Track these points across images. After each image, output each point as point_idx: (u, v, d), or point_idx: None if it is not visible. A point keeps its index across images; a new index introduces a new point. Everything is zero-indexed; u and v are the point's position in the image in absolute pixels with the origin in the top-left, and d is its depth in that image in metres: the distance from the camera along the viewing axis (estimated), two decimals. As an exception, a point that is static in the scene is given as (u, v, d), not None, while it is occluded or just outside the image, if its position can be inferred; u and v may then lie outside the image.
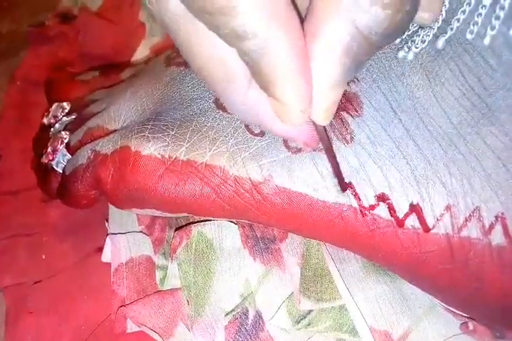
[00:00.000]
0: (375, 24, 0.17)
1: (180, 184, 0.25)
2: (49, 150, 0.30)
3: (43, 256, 0.32)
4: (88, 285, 0.30)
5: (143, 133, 0.26)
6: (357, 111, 0.24)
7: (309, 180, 0.24)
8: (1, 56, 0.43)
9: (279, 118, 0.20)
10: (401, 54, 0.24)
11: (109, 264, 0.30)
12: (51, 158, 0.30)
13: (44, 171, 0.30)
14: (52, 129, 0.32)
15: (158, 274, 0.30)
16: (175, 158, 0.25)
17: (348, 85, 0.24)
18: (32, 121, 0.38)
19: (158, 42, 0.42)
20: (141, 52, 0.41)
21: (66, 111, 0.32)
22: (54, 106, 0.33)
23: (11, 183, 0.35)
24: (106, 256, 0.30)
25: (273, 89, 0.18)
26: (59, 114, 0.32)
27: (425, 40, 0.23)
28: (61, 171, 0.30)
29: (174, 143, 0.25)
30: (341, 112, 0.24)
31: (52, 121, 0.32)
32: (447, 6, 0.23)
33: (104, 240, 0.31)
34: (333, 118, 0.23)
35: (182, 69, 0.29)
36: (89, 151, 0.27)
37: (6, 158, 0.37)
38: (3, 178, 0.36)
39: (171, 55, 0.31)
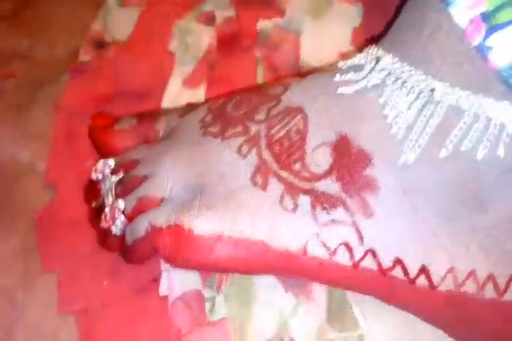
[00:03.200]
0: None
1: (230, 258, 0.30)
2: (108, 217, 0.34)
3: (105, 283, 0.36)
4: (148, 314, 0.35)
5: (192, 212, 0.30)
6: (375, 192, 0.29)
7: (340, 248, 0.29)
8: (42, 83, 0.45)
9: None
10: (402, 160, 0.28)
11: (164, 297, 0.35)
12: (111, 223, 0.34)
13: (103, 231, 0.35)
14: (102, 186, 0.36)
15: (207, 305, 0.35)
16: (222, 235, 0.30)
17: (366, 170, 0.29)
18: (80, 151, 0.41)
19: (189, 72, 0.45)
20: (174, 83, 0.44)
21: (112, 167, 0.36)
22: (100, 163, 0.37)
23: (70, 213, 0.39)
24: (162, 289, 0.35)
25: None
26: (106, 171, 0.36)
27: (416, 151, 0.28)
28: (119, 233, 0.34)
29: (220, 222, 0.30)
30: (362, 192, 0.29)
31: (100, 177, 0.36)
32: None
33: (159, 271, 0.36)
34: (355, 197, 0.29)
35: (219, 141, 0.32)
36: (146, 223, 0.31)
37: (60, 190, 0.40)
38: (62, 209, 0.39)
39: (206, 117, 0.34)
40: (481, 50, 0.25)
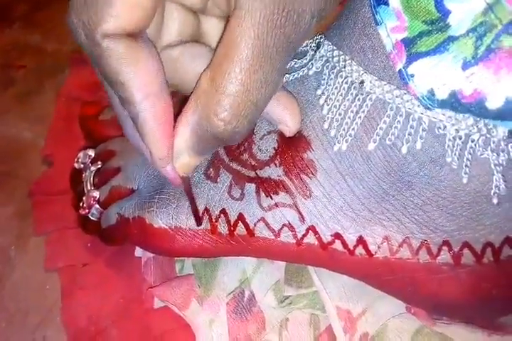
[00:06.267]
0: (211, 127, 0.24)
1: (188, 246, 0.33)
2: (85, 205, 0.38)
3: (88, 245, 0.41)
4: (124, 271, 0.39)
5: (152, 208, 0.34)
6: (313, 174, 0.31)
7: (284, 229, 0.32)
8: (49, 73, 0.51)
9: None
10: (336, 147, 0.30)
11: (138, 257, 0.39)
12: (88, 211, 0.38)
13: (82, 216, 0.39)
14: (83, 175, 0.40)
15: (178, 265, 0.39)
16: (179, 227, 0.33)
17: (306, 153, 0.31)
18: (75, 132, 0.46)
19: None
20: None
21: (92, 157, 0.41)
22: (81, 154, 0.42)
23: (62, 185, 0.43)
24: (138, 251, 0.39)
25: (142, 138, 0.26)
26: (87, 161, 0.41)
27: (348, 140, 0.29)
28: (95, 219, 0.38)
29: (177, 216, 0.33)
30: (302, 175, 0.31)
31: (82, 166, 0.41)
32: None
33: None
34: (296, 179, 0.31)
35: None
36: (116, 215, 0.35)
37: (56, 164, 0.45)
38: (56, 181, 0.44)
39: None
40: (403, 76, 0.26)
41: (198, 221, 0.32)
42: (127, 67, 0.24)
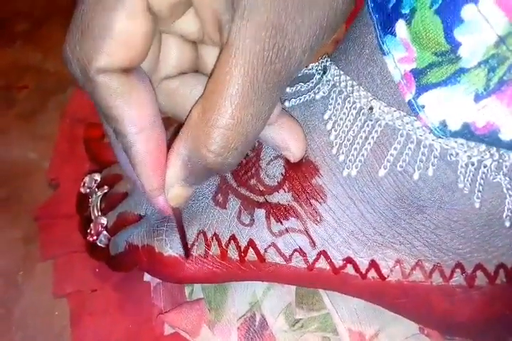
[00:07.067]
0: (201, 158, 0.24)
1: (198, 273, 0.33)
2: (92, 232, 0.38)
3: (97, 270, 0.40)
4: (133, 297, 0.39)
5: (161, 237, 0.33)
6: (323, 199, 0.30)
7: (295, 254, 0.31)
8: (51, 93, 0.51)
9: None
10: (345, 173, 0.30)
11: (147, 282, 0.39)
12: (96, 238, 0.38)
13: (90, 243, 0.39)
14: (90, 200, 0.40)
15: (187, 289, 0.38)
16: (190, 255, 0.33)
17: (315, 179, 0.30)
18: (80, 153, 0.46)
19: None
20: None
21: (98, 181, 0.41)
22: (87, 178, 0.41)
23: (68, 208, 0.42)
24: (147, 276, 0.39)
25: (134, 169, 0.26)
26: (93, 185, 0.41)
27: (358, 165, 0.29)
28: (103, 246, 0.38)
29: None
30: (311, 200, 0.31)
31: (88, 191, 0.41)
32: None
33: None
34: (306, 204, 0.31)
35: None
36: (125, 242, 0.35)
37: (62, 187, 0.45)
38: (62, 203, 0.43)
39: None
40: (413, 107, 0.26)
41: (187, 253, 0.32)
42: (120, 102, 0.24)
